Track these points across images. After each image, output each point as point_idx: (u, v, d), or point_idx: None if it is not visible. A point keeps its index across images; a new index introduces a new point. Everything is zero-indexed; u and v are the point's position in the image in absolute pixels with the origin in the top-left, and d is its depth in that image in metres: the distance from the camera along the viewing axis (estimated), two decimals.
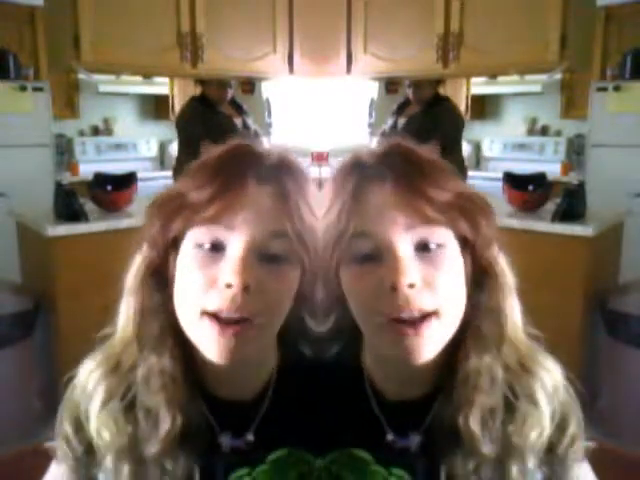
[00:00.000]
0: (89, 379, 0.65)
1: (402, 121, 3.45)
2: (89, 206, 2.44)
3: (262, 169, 0.60)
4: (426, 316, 0.57)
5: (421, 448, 0.64)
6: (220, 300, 0.57)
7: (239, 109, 3.50)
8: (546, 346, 0.68)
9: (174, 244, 0.61)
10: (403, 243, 0.57)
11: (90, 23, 3.53)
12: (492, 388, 0.61)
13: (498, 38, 3.65)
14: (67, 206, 2.32)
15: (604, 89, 3.50)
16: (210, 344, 0.58)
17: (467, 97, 4.73)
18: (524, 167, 3.42)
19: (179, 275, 0.60)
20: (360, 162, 0.62)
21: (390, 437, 0.64)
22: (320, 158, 3.69)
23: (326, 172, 3.51)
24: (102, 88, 4.46)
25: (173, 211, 0.60)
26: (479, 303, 0.62)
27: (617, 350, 2.25)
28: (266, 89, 4.68)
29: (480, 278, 0.62)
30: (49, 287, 2.29)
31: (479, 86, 4.72)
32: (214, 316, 0.57)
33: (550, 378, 0.65)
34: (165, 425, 0.61)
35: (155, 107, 5.04)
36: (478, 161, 5.02)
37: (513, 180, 2.60)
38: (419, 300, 0.56)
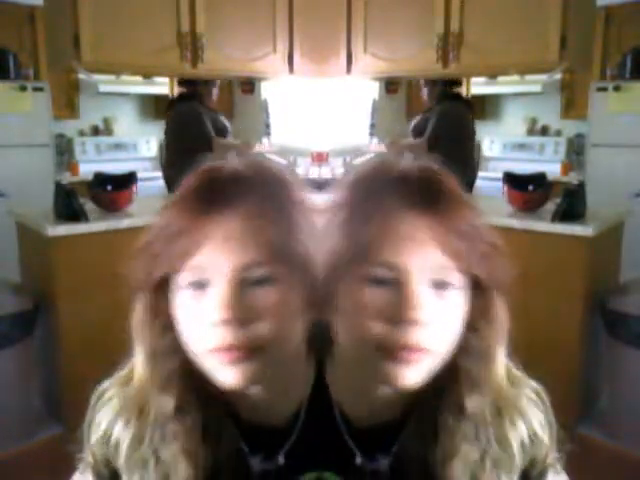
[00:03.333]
0: (113, 425, 0.66)
1: (420, 119, 3.48)
2: (89, 206, 2.43)
3: (231, 193, 0.57)
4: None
5: (391, 470, 0.64)
6: (214, 339, 0.56)
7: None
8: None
9: (164, 287, 0.60)
10: (424, 279, 0.56)
11: (90, 23, 3.52)
12: (477, 435, 0.61)
13: (498, 38, 3.64)
14: (67, 206, 2.31)
15: (604, 89, 3.50)
16: (221, 373, 0.57)
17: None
18: (524, 167, 3.42)
19: (177, 316, 0.59)
20: (388, 184, 0.58)
21: (359, 460, 0.64)
22: (320, 158, 3.69)
23: (326, 172, 3.51)
24: (102, 88, 4.46)
25: (151, 260, 0.59)
26: (470, 346, 0.61)
27: (617, 350, 2.25)
28: (266, 89, 4.68)
29: (476, 321, 0.61)
30: (49, 287, 2.29)
31: (479, 86, 4.72)
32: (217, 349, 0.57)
33: (526, 422, 0.66)
34: (181, 475, 0.61)
35: (155, 107, 5.04)
36: (478, 161, 5.02)
37: (513, 180, 2.59)
38: (422, 339, 0.56)
